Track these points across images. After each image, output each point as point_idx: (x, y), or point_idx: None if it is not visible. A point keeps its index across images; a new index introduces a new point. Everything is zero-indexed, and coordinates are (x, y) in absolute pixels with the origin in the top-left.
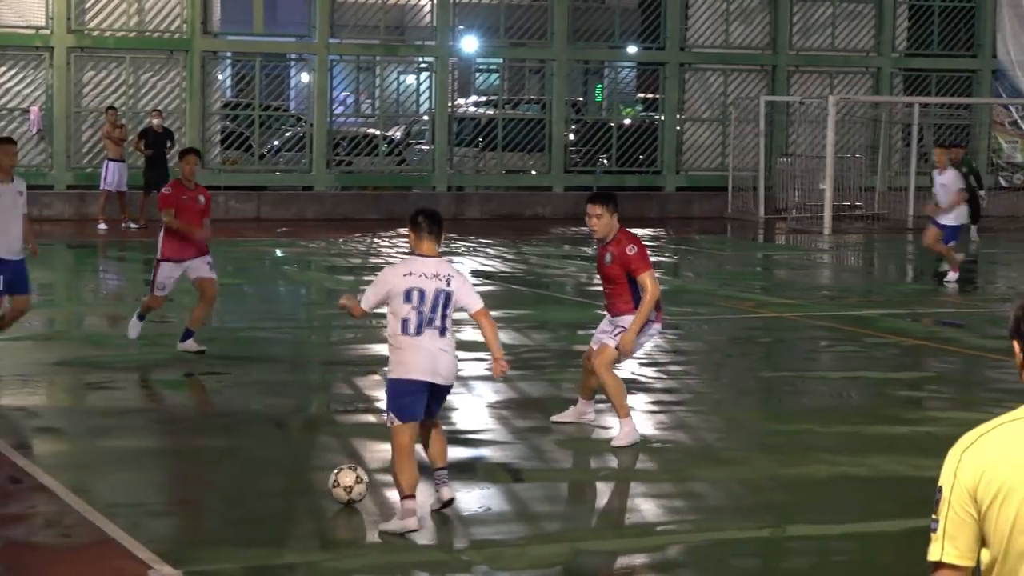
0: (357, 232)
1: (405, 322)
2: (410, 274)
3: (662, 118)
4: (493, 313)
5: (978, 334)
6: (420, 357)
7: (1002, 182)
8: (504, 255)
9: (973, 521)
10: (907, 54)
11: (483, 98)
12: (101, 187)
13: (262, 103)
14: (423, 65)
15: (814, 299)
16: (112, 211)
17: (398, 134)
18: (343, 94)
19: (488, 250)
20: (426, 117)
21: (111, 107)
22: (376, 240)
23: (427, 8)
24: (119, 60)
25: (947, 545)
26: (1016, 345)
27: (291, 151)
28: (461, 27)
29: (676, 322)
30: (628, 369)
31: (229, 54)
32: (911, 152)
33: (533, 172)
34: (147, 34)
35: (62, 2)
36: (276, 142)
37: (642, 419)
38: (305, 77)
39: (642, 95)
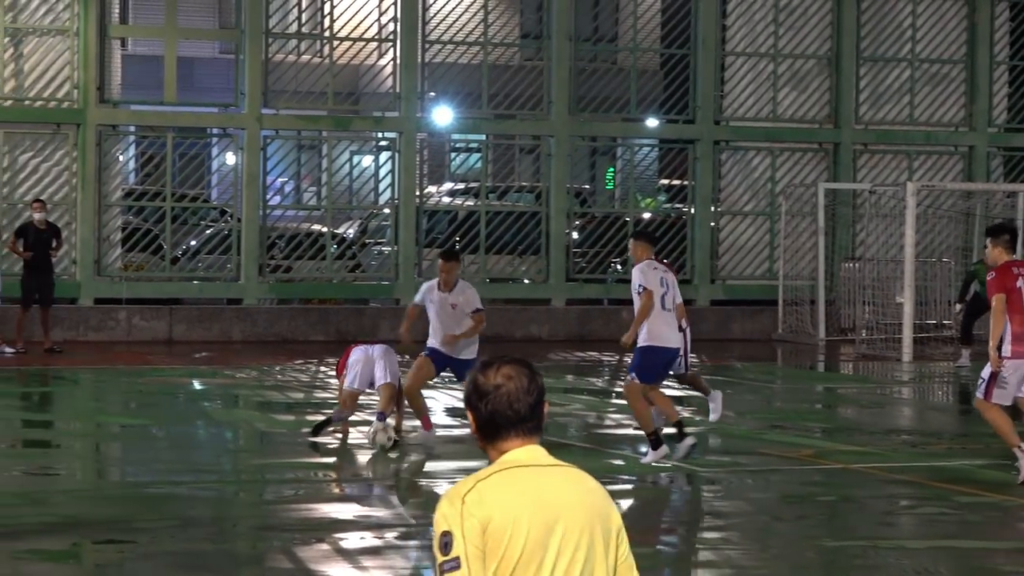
0: (298, 358)
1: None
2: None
3: (692, 211)
4: (471, 464)
5: None
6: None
7: None
8: None
9: (482, 556)
10: (1008, 128)
11: (461, 185)
12: None
13: (175, 191)
14: (383, 143)
15: (891, 446)
16: None
17: (351, 231)
18: (280, 180)
19: None
20: (387, 210)
21: None
22: (323, 368)
23: (388, 70)
24: None
25: None
26: (470, 415)
27: (213, 253)
28: (432, 94)
29: (712, 476)
30: (653, 534)
31: (133, 128)
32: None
33: (526, 281)
34: (27, 102)
35: None
36: (193, 242)
37: None
38: (231, 158)
39: (666, 181)
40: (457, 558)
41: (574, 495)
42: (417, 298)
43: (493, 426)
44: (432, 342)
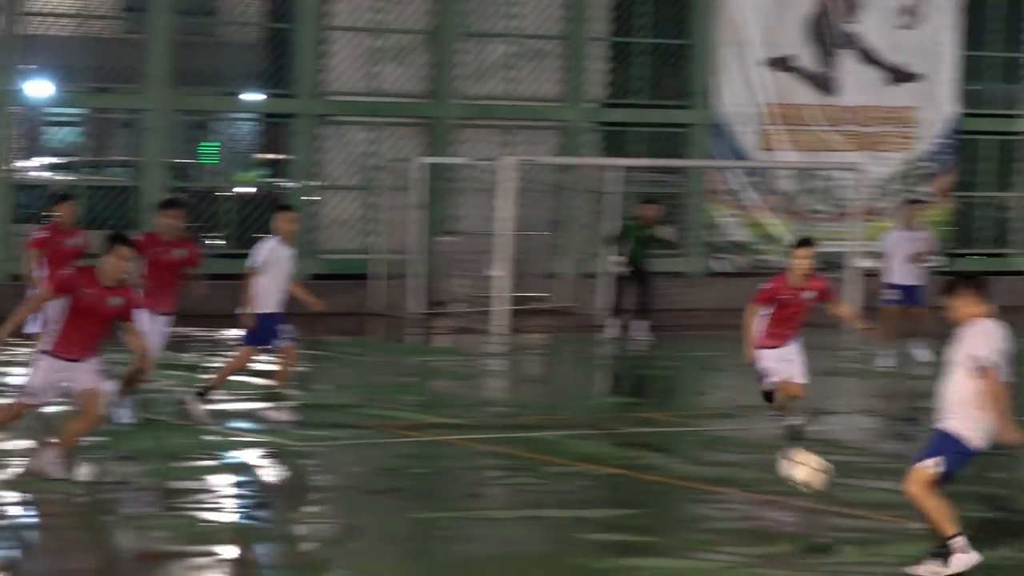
0: None
1: None
2: None
3: (294, 185)
4: None
5: (687, 459)
6: None
7: (714, 267)
8: None
9: None
10: (605, 104)
11: (58, 159)
12: None
13: None
14: None
15: (482, 417)
16: None
17: None
18: None
19: None
20: None
21: None
22: None
23: None
24: None
25: None
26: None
27: None
28: (31, 66)
29: (308, 448)
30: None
31: None
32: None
33: None
34: None
35: None
36: None
37: None
38: None
39: (263, 156)
40: None
41: None
42: (259, 262)
43: None
44: (273, 307)
